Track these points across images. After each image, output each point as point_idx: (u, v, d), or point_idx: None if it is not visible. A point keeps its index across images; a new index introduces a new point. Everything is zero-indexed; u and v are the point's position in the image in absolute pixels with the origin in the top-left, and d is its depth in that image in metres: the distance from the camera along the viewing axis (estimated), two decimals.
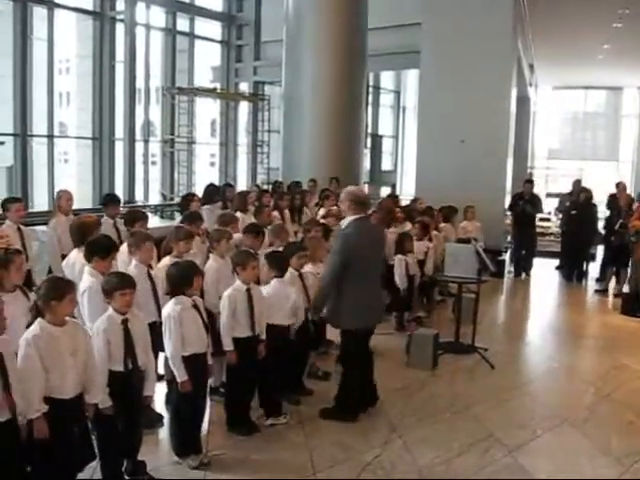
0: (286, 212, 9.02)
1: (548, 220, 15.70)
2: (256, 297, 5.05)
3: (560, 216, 12.97)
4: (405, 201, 12.74)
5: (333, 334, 6.81)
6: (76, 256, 5.32)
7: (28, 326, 3.65)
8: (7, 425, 3.39)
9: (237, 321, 4.96)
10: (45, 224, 7.41)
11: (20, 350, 3.54)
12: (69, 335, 3.69)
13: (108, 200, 7.54)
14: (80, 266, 5.13)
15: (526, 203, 11.83)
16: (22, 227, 6.71)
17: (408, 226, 8.95)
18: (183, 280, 4.49)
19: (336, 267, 5.24)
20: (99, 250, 4.80)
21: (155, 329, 4.67)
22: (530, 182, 12.53)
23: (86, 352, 3.79)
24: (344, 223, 5.41)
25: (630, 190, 18.80)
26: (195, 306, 4.54)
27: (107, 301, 4.08)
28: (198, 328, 4.50)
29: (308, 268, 5.94)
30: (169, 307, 4.47)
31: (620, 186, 11.72)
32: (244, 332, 4.97)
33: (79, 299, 4.43)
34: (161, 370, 5.21)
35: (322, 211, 9.26)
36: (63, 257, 5.68)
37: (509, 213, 12.69)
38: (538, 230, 13.34)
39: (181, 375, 4.42)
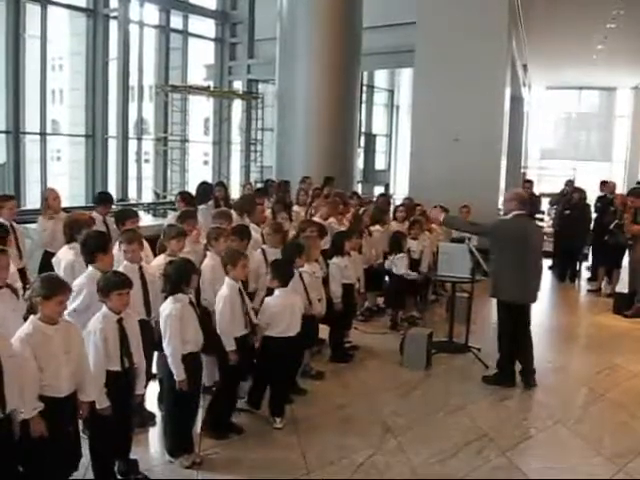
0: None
1: (541, 220, 15.69)
2: (245, 295, 5.10)
3: (552, 215, 12.97)
4: (397, 201, 12.71)
5: (325, 333, 6.83)
6: (65, 253, 5.29)
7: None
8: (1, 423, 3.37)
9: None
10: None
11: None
12: (62, 334, 3.66)
13: (100, 199, 7.43)
14: (66, 263, 5.12)
15: None
16: (15, 225, 6.66)
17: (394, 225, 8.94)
18: (181, 278, 4.46)
19: (483, 228, 6.56)
20: (98, 247, 4.70)
21: (145, 328, 4.63)
22: (529, 182, 12.60)
23: (80, 351, 3.77)
24: (508, 217, 6.39)
25: (623, 190, 18.84)
26: (192, 303, 4.53)
27: (103, 300, 4.05)
28: (195, 326, 4.48)
29: (304, 268, 5.92)
30: (169, 306, 4.42)
31: (610, 185, 11.67)
32: (241, 330, 4.96)
33: None
34: (154, 369, 5.18)
35: (320, 211, 9.10)
36: (54, 254, 5.64)
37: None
38: None
39: (180, 374, 4.38)
